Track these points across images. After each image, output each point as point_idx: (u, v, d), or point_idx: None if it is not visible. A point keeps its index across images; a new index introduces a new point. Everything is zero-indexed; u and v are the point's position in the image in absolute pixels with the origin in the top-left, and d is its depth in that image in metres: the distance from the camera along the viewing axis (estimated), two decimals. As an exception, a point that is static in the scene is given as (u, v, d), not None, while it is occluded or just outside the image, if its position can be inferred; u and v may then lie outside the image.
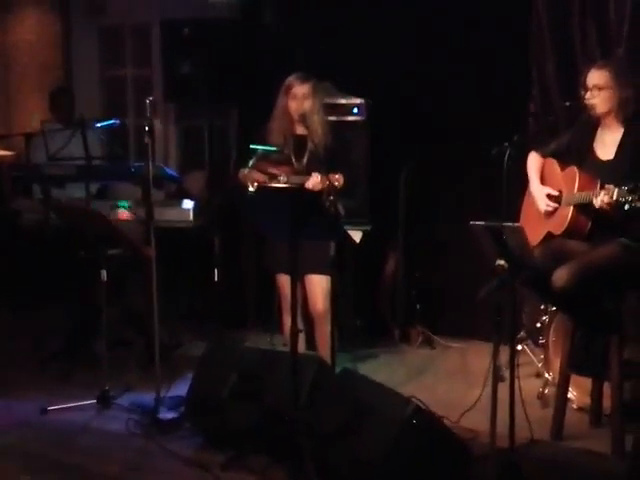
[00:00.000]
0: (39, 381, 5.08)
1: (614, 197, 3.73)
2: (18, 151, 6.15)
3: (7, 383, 5.01)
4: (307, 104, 4.63)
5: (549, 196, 4.24)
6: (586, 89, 4.10)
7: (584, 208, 4.03)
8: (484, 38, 5.51)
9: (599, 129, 4.19)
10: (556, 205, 4.22)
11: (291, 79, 4.68)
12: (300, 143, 4.69)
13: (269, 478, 3.78)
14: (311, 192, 4.34)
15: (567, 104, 4.35)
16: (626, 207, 3.68)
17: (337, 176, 4.39)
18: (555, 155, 4.35)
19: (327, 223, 4.01)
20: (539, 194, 4.30)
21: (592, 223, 4.06)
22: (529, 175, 4.38)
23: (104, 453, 4.14)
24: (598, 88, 4.05)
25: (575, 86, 4.71)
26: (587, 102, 4.08)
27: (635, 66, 4.37)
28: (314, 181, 4.42)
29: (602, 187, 3.86)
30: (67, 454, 4.13)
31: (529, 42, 5.43)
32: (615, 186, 3.75)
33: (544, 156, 4.39)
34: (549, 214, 4.24)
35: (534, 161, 4.41)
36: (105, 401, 4.63)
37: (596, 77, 4.07)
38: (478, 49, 5.53)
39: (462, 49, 5.59)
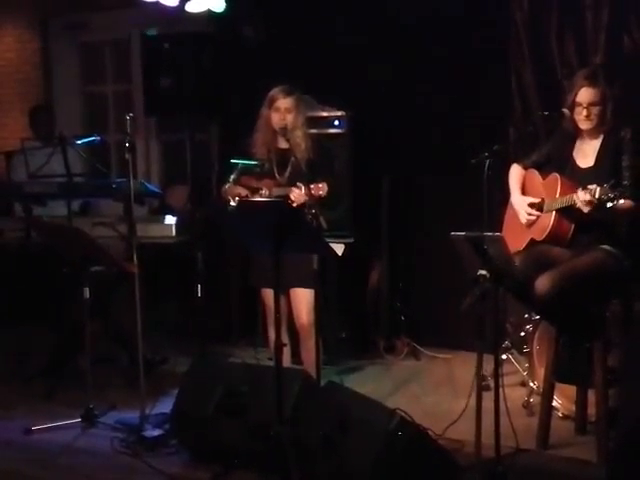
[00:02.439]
0: (23, 400, 5.04)
1: (596, 195, 3.75)
2: (-1, 170, 6.12)
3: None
4: (290, 117, 4.63)
5: (531, 205, 4.25)
6: (576, 105, 4.08)
7: (566, 212, 4.04)
8: (465, 49, 5.54)
9: (578, 139, 4.21)
10: (538, 214, 4.23)
11: (275, 92, 4.68)
12: (283, 157, 4.69)
13: (256, 493, 3.77)
14: (293, 205, 4.34)
15: (545, 113, 4.37)
16: (608, 204, 3.70)
17: (321, 185, 4.38)
18: (536, 166, 4.37)
19: (309, 236, 4.01)
20: (520, 205, 4.32)
21: (574, 228, 4.08)
22: (510, 186, 4.41)
23: (90, 472, 4.10)
24: (594, 104, 4.06)
25: (554, 95, 4.75)
26: (584, 119, 4.08)
27: (612, 74, 4.40)
28: (297, 195, 4.41)
29: (584, 188, 3.86)
30: (52, 474, 4.10)
31: (509, 51, 5.47)
32: (597, 185, 3.77)
33: (526, 167, 4.41)
34: (531, 223, 4.25)
35: (515, 173, 4.43)
36: (90, 419, 4.60)
37: (591, 94, 4.06)
38: (459, 61, 5.56)
39: (443, 60, 5.61)
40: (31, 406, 4.93)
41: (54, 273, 5.30)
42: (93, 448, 4.35)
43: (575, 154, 4.20)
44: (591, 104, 4.07)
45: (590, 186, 3.81)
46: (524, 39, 5.39)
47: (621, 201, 3.71)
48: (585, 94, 4.08)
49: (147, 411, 4.50)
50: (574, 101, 4.10)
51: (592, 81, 4.09)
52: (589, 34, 5.14)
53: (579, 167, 4.17)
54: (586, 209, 3.84)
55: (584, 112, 4.08)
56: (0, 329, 6.05)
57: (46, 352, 5.52)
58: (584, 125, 4.11)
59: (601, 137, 4.13)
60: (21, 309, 5.81)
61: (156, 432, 4.40)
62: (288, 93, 4.66)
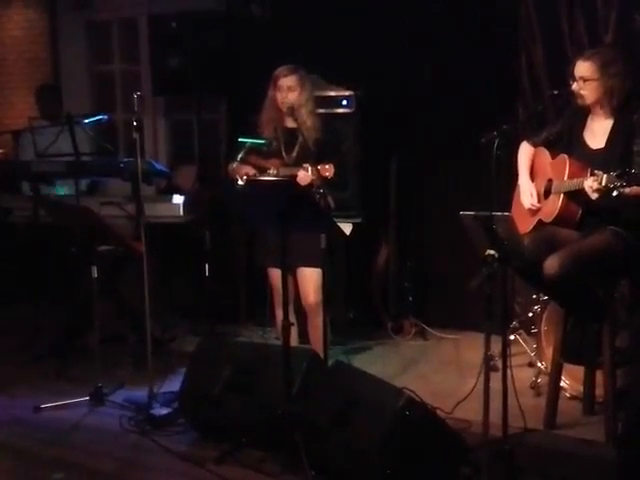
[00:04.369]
0: (32, 379, 5.06)
1: (603, 183, 3.73)
2: (6, 148, 6.13)
3: (-1, 381, 5.01)
4: (293, 96, 4.61)
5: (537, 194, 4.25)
6: (574, 79, 4.10)
7: (574, 196, 4.03)
8: (473, 27, 5.50)
9: (589, 118, 4.19)
10: (539, 205, 4.23)
11: (278, 71, 4.67)
12: (290, 136, 4.68)
13: (264, 472, 3.78)
14: (300, 185, 4.32)
15: (555, 92, 4.34)
16: (614, 193, 3.68)
17: (327, 166, 4.36)
18: (546, 144, 4.35)
19: (317, 216, 4.00)
20: (525, 190, 4.31)
21: (582, 211, 4.06)
22: (519, 167, 4.39)
23: (98, 450, 4.13)
24: (584, 79, 4.05)
25: (564, 74, 4.71)
26: (575, 92, 4.09)
27: (622, 53, 4.36)
28: (303, 176, 4.40)
29: (592, 174, 3.86)
30: (61, 451, 4.12)
31: (518, 30, 5.43)
32: (604, 172, 3.75)
33: (535, 145, 4.39)
34: (535, 209, 4.24)
35: (525, 151, 4.41)
36: (98, 398, 4.62)
37: (582, 68, 4.06)
38: (467, 39, 5.52)
39: (451, 38, 5.58)
40: (40, 384, 4.95)
41: (62, 252, 5.31)
42: (102, 426, 4.37)
43: (585, 133, 4.18)
44: (581, 78, 4.05)
45: (597, 172, 3.79)
46: (534, 18, 5.35)
47: (627, 189, 3.68)
48: (577, 67, 4.08)
49: (155, 390, 4.52)
50: (571, 75, 4.11)
51: (586, 56, 4.09)
52: (600, 13, 5.10)
53: (589, 147, 4.14)
54: (594, 196, 3.82)
55: (574, 85, 4.07)
56: (8, 308, 6.09)
57: (54, 331, 5.54)
58: (578, 99, 4.09)
59: (613, 119, 4.10)
60: (29, 288, 5.83)
61: (164, 410, 4.43)
62: (290, 71, 4.64)
